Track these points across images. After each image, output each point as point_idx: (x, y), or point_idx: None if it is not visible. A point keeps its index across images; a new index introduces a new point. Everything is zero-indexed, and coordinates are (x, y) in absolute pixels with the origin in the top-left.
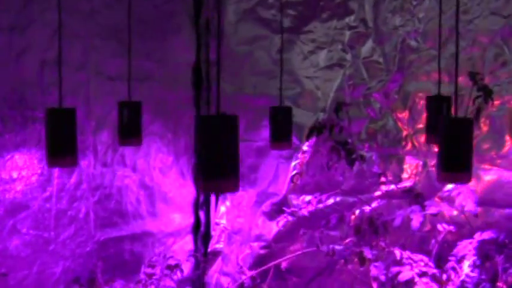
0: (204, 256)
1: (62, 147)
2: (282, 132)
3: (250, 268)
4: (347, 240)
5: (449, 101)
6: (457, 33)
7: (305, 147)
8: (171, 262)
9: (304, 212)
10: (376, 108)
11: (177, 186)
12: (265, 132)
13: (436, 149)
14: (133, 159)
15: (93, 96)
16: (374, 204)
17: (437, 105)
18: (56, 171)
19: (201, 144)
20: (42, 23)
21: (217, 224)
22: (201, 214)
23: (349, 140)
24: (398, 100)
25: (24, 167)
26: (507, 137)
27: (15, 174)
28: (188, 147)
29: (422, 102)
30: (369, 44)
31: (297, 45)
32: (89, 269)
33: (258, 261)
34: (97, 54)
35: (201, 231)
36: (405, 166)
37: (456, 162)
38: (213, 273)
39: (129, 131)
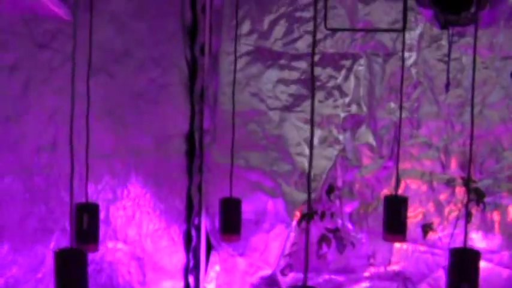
0: None
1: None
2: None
3: None
4: None
5: (406, 202)
6: None
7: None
8: None
9: None
10: (368, 192)
11: (167, 254)
12: (256, 205)
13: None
14: (124, 232)
15: (88, 174)
16: (363, 285)
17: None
18: (48, 254)
19: None
20: (39, 109)
21: None
22: (191, 279)
23: (340, 226)
24: (390, 185)
25: (18, 250)
26: None
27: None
28: (180, 214)
29: (414, 187)
30: (363, 127)
31: (291, 123)
32: None
33: None
34: (92, 133)
35: None
36: (394, 249)
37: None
38: None
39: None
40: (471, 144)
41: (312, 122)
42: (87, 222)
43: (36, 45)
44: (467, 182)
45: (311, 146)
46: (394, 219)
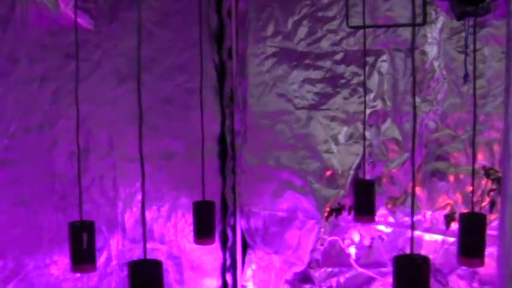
0: None
1: (82, 258)
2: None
3: None
4: None
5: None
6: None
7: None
8: None
9: (326, 284)
10: (396, 186)
11: (204, 253)
12: (287, 204)
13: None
14: (161, 232)
15: (120, 178)
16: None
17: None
18: None
19: None
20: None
21: (243, 286)
22: (228, 277)
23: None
24: (417, 179)
25: (57, 253)
26: None
27: (48, 260)
28: (215, 216)
29: (441, 183)
30: (388, 122)
31: (318, 121)
32: None
33: None
34: (123, 138)
35: None
36: (424, 242)
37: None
38: None
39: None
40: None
41: None
42: (86, 242)
43: (64, 56)
44: (488, 172)
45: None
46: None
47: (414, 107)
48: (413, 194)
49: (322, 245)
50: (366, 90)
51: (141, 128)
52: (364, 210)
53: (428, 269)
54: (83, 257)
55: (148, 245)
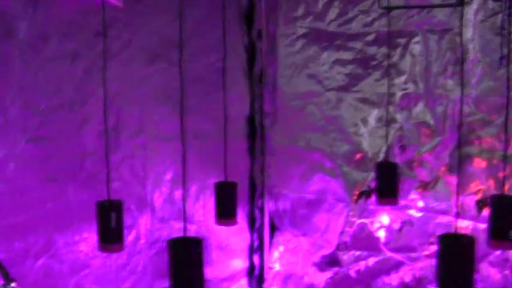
0: None
1: (110, 237)
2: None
3: None
4: None
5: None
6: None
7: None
8: None
9: (354, 267)
10: (427, 170)
11: (232, 234)
12: (316, 186)
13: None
14: (190, 212)
15: (150, 157)
16: (422, 264)
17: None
18: None
19: None
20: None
21: (270, 268)
22: (255, 258)
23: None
24: (449, 164)
25: (87, 230)
26: None
27: (77, 237)
28: (243, 196)
29: (473, 168)
30: (420, 105)
31: (348, 103)
32: None
33: None
34: (153, 117)
35: (255, 275)
36: (454, 228)
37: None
38: None
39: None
40: None
41: None
42: (115, 221)
43: (94, 34)
44: None
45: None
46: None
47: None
48: None
49: (351, 227)
50: (397, 72)
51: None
52: (387, 192)
53: (473, 248)
54: (110, 236)
55: (177, 225)
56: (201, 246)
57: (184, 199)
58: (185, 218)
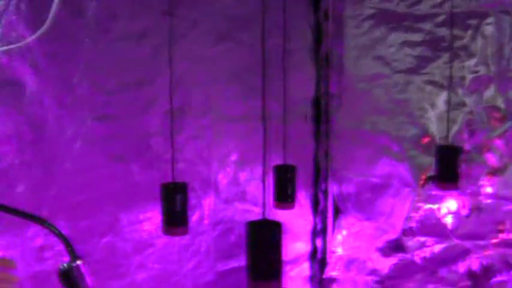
0: (319, 282)
1: (175, 220)
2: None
3: None
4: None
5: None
6: None
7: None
8: None
9: (419, 254)
10: (497, 156)
11: (295, 216)
12: (381, 170)
13: None
14: (254, 194)
15: (216, 138)
16: (491, 252)
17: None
18: None
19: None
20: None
21: (333, 252)
22: (318, 242)
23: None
24: None
25: (151, 210)
26: None
27: (142, 216)
28: (307, 178)
29: None
30: (491, 88)
31: (416, 86)
32: None
33: None
34: (219, 97)
35: (318, 258)
36: None
37: None
38: None
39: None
40: None
41: None
42: (179, 204)
43: (162, 14)
44: None
45: None
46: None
47: None
48: None
49: (417, 213)
50: (467, 55)
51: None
52: (447, 177)
53: None
54: (175, 219)
55: (242, 206)
56: (280, 229)
57: (263, 179)
58: (264, 203)
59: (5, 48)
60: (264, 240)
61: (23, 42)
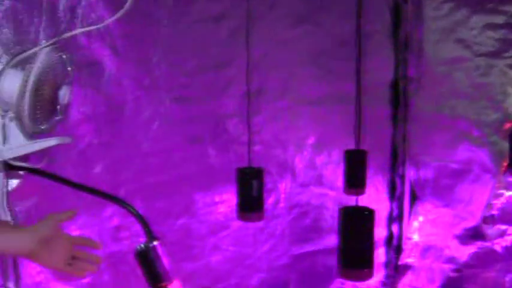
0: (394, 269)
1: (250, 206)
2: None
3: None
4: None
5: None
6: None
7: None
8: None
9: (500, 242)
10: None
11: (371, 201)
12: (461, 155)
13: None
14: (330, 178)
15: (293, 121)
16: None
17: None
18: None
19: None
20: (244, 57)
21: (409, 238)
22: (394, 228)
23: None
24: None
25: (226, 192)
26: None
27: (217, 198)
28: (384, 163)
29: None
30: None
31: (498, 69)
32: (282, 281)
33: (447, 283)
34: (297, 80)
35: (393, 245)
36: None
37: None
38: (403, 287)
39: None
40: None
41: None
42: (256, 189)
43: None
44: None
45: None
46: None
47: None
48: None
49: (498, 200)
50: None
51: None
52: None
53: None
54: (251, 205)
55: (318, 190)
56: (373, 216)
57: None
58: (358, 192)
59: (84, 29)
60: (357, 227)
61: (103, 23)
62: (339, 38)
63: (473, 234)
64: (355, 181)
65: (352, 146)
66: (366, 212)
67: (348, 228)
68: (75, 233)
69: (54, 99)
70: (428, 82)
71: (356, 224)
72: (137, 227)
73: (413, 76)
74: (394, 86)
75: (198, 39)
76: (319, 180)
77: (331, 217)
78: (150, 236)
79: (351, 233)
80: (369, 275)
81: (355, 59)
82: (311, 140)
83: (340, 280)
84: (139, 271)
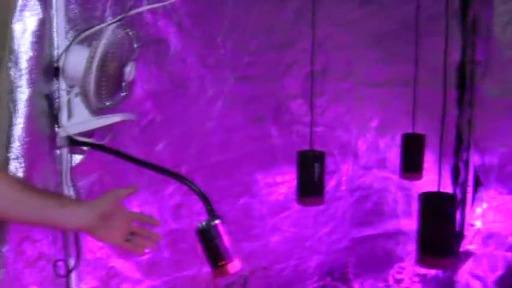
0: (455, 255)
1: (311, 190)
2: None
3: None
4: None
5: None
6: None
7: None
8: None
9: None
10: None
11: (433, 187)
12: None
13: None
14: (393, 163)
15: (356, 103)
16: None
17: None
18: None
19: None
20: (309, 37)
21: (471, 225)
22: (456, 214)
23: None
24: None
25: (288, 172)
26: None
27: (279, 179)
28: (448, 148)
29: None
30: None
31: None
32: (342, 263)
33: (510, 271)
34: (361, 62)
35: (456, 231)
36: None
37: None
38: (463, 274)
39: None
40: None
41: None
42: (317, 173)
43: None
44: None
45: None
46: None
47: None
48: None
49: None
50: None
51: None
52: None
53: None
54: (311, 189)
55: (380, 174)
56: (455, 202)
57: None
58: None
59: (150, 6)
60: (439, 213)
61: (169, 1)
62: (403, 20)
63: None
64: (411, 165)
65: (417, 128)
66: (448, 198)
67: (429, 215)
68: (136, 209)
69: (119, 76)
70: (495, 66)
71: (438, 211)
72: (198, 206)
73: (481, 60)
74: (461, 69)
75: (263, 18)
76: (382, 164)
77: (393, 201)
78: (212, 214)
79: (432, 220)
80: (450, 264)
81: (419, 41)
82: (374, 123)
83: (400, 265)
84: (199, 249)
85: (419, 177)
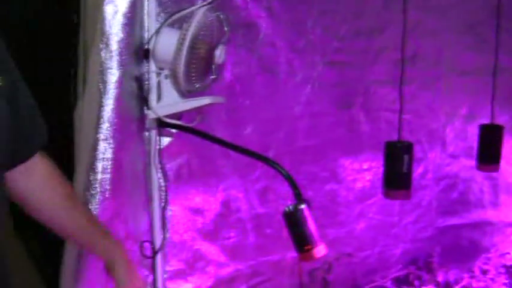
0: None
1: (398, 183)
2: None
3: None
4: None
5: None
6: None
7: None
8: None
9: None
10: None
11: None
12: None
13: None
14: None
15: (446, 90)
16: None
17: None
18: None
19: None
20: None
21: None
22: None
23: None
24: None
25: (374, 159)
26: None
27: (365, 166)
28: None
29: None
30: None
31: None
32: (426, 252)
33: None
34: (451, 49)
35: None
36: None
37: None
38: None
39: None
40: None
41: None
42: (406, 165)
43: None
44: None
45: None
46: None
47: None
48: None
49: None
50: None
51: None
52: None
53: None
54: (399, 181)
55: (468, 162)
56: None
57: None
58: (491, 168)
59: None
60: None
61: None
62: (496, 7)
63: None
64: (488, 156)
65: (502, 118)
66: None
67: None
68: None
69: (209, 59)
70: None
71: None
72: (284, 190)
73: None
74: None
75: (353, 3)
76: (469, 152)
77: (479, 191)
78: (299, 198)
79: None
80: None
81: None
82: (463, 111)
83: (486, 256)
84: (285, 233)
85: (496, 169)
